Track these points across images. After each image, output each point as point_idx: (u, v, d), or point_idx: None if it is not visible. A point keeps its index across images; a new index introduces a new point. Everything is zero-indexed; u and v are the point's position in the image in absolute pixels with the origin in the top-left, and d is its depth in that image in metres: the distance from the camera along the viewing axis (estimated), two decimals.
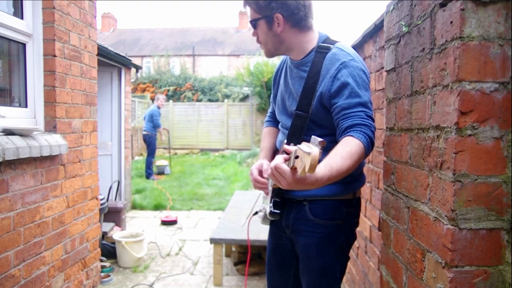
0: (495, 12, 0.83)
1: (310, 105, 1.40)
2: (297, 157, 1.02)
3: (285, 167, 1.10)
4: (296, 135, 1.44)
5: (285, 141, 1.48)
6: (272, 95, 1.75)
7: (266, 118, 1.86)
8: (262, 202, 1.75)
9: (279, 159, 1.14)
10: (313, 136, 0.97)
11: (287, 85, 1.55)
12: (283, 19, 1.40)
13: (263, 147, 1.73)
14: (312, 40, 1.46)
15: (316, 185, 1.17)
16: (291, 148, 1.10)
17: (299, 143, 1.19)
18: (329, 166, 1.18)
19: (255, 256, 3.61)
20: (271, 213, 1.52)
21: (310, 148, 0.92)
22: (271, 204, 1.51)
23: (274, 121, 1.78)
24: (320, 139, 0.94)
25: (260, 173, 1.55)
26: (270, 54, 1.52)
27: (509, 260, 0.86)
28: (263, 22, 1.44)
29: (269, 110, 1.85)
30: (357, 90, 1.31)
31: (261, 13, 1.43)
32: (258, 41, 1.51)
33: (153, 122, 8.87)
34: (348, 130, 1.28)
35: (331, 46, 1.41)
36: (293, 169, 1.09)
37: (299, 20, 1.42)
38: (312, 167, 0.90)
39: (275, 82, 1.69)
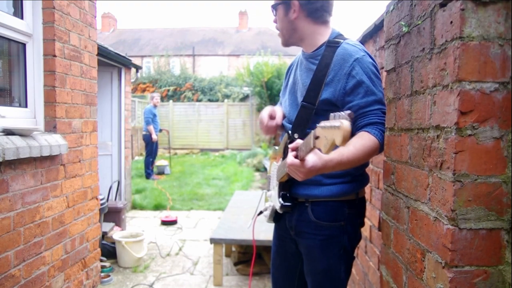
0: (495, 12, 0.83)
1: (317, 97, 1.42)
2: (317, 137, 1.02)
3: (296, 161, 1.20)
4: (301, 126, 1.45)
5: (289, 132, 1.49)
6: (282, 90, 1.77)
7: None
8: (265, 201, 1.76)
9: (290, 157, 1.23)
10: (332, 114, 0.95)
11: (297, 78, 1.58)
12: (298, 6, 1.45)
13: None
14: (324, 34, 1.49)
15: (327, 169, 1.25)
16: (299, 141, 1.22)
17: (303, 134, 1.24)
18: (339, 152, 1.25)
19: (255, 256, 3.61)
20: (282, 206, 1.50)
21: (340, 121, 0.89)
22: (280, 199, 1.51)
23: None
24: (348, 111, 0.92)
25: (271, 117, 1.61)
26: (285, 42, 1.56)
27: (509, 260, 0.86)
28: (281, 7, 1.49)
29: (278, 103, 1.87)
30: (372, 87, 1.35)
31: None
32: (276, 27, 1.56)
33: (144, 120, 8.79)
34: (365, 127, 1.33)
35: (341, 41, 1.44)
36: (302, 160, 1.19)
37: (314, 10, 1.45)
38: (345, 139, 0.87)
39: (286, 76, 1.72)
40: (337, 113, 0.93)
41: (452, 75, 0.86)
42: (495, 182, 0.85)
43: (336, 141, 0.89)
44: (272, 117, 1.62)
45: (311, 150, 1.09)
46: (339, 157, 1.25)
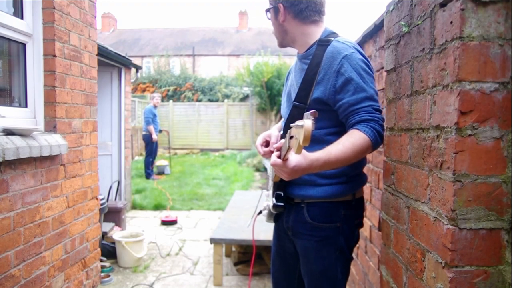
0: (495, 12, 0.83)
1: (308, 97, 1.41)
2: (291, 137, 1.04)
3: (278, 160, 1.19)
4: None
5: (281, 132, 1.49)
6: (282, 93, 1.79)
7: None
8: (265, 200, 1.76)
9: (273, 157, 1.22)
10: (305, 113, 0.97)
11: (292, 79, 1.59)
12: (283, 9, 1.47)
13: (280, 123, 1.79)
14: (315, 34, 1.49)
15: (313, 168, 1.23)
16: (282, 140, 1.20)
17: None
18: (327, 150, 1.24)
19: (255, 256, 3.61)
20: (274, 206, 1.50)
21: (303, 121, 0.92)
22: (274, 198, 1.51)
23: None
24: (311, 111, 0.95)
25: (267, 143, 1.62)
26: (280, 44, 1.59)
27: (509, 260, 0.86)
28: (272, 12, 1.52)
29: None
30: (362, 84, 1.33)
31: (271, 4, 1.52)
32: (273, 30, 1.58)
33: (144, 120, 8.79)
34: (356, 125, 1.31)
35: (332, 39, 1.43)
36: (285, 160, 1.18)
37: (299, 11, 1.46)
38: (306, 138, 0.90)
39: (286, 79, 1.73)
40: (306, 113, 0.96)
41: (452, 75, 0.86)
42: (495, 182, 0.85)
43: (300, 141, 0.91)
44: (266, 144, 1.63)
45: (288, 150, 1.10)
46: (326, 156, 1.23)
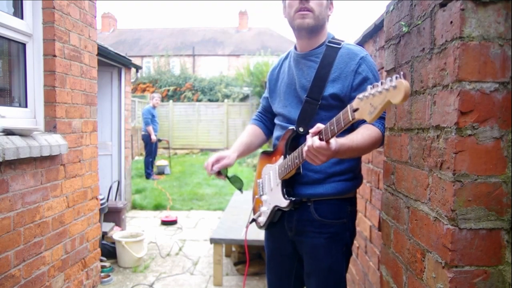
0: (495, 12, 0.83)
1: (320, 93, 1.46)
2: (355, 110, 1.03)
3: (322, 143, 1.18)
4: (306, 120, 1.49)
5: (293, 127, 1.50)
6: (267, 93, 1.78)
7: (254, 117, 1.91)
8: (254, 207, 1.75)
9: (315, 140, 1.19)
10: (369, 86, 0.97)
11: (293, 78, 1.59)
12: (332, 8, 1.56)
13: (241, 140, 1.82)
14: (325, 34, 1.56)
15: (339, 153, 1.25)
16: (319, 125, 1.20)
17: (309, 127, 1.28)
18: (349, 138, 1.30)
19: (255, 256, 3.61)
20: (291, 202, 1.46)
21: (395, 82, 0.87)
22: (286, 195, 1.49)
23: (261, 121, 1.85)
24: (401, 72, 0.90)
25: (216, 162, 1.70)
26: (312, 26, 1.48)
27: (509, 260, 0.86)
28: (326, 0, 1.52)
29: (259, 109, 1.89)
30: None
31: None
32: (309, 8, 1.45)
33: (143, 120, 8.78)
34: None
35: (341, 42, 1.52)
36: (327, 142, 1.17)
37: (329, 14, 1.55)
38: (406, 96, 0.85)
39: (272, 79, 1.73)
40: (384, 80, 0.92)
41: (452, 75, 0.86)
42: (495, 182, 0.85)
43: (394, 100, 0.87)
44: (218, 161, 1.71)
45: (349, 123, 1.08)
46: (350, 143, 1.28)
